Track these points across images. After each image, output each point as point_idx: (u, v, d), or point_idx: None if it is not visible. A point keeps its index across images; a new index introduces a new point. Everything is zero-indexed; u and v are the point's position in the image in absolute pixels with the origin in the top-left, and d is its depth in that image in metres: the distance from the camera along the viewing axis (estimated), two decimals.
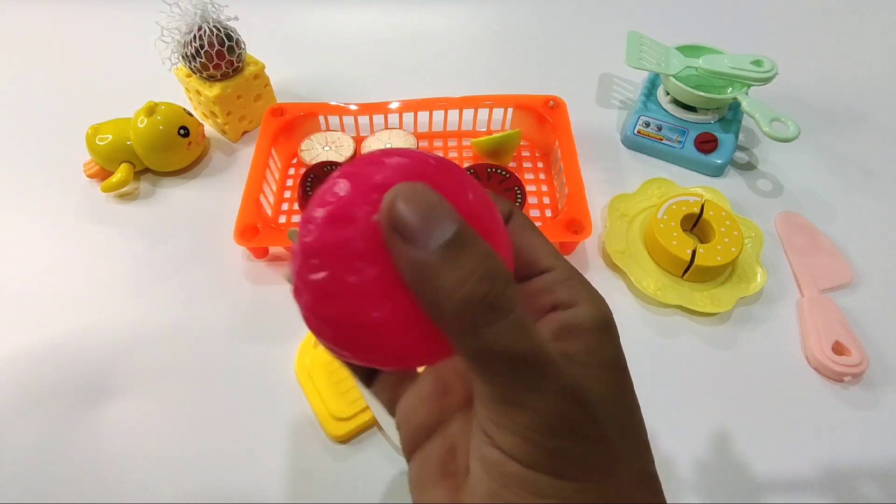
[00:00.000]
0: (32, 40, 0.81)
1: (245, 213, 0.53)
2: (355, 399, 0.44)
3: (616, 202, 0.58)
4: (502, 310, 0.15)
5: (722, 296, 0.51)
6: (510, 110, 0.65)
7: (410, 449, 0.21)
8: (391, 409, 0.24)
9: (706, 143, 0.62)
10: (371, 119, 0.64)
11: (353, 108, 0.63)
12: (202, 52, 0.58)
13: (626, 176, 0.63)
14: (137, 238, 0.58)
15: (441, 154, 0.64)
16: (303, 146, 0.63)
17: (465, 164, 0.61)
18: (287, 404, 0.46)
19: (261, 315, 0.51)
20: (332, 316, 0.16)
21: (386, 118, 0.64)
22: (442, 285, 0.15)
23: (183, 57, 0.59)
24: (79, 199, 0.61)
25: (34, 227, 0.58)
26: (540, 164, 0.63)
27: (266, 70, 0.65)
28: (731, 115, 0.64)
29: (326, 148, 0.62)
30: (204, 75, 0.60)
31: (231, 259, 0.55)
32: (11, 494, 0.42)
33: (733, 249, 0.51)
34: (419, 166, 0.17)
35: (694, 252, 0.51)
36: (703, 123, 0.63)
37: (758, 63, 0.59)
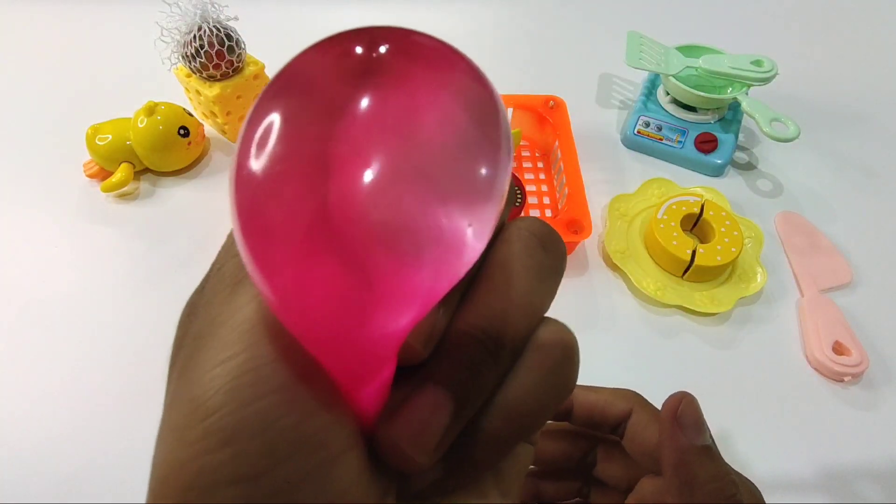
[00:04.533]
0: (32, 40, 0.81)
1: None
2: None
3: (616, 202, 0.58)
4: None
5: (722, 296, 0.51)
6: (510, 110, 0.64)
7: None
8: None
9: (706, 143, 0.62)
10: None
11: None
12: (202, 52, 0.58)
13: (626, 176, 0.63)
14: (137, 238, 0.58)
15: None
16: None
17: None
18: None
19: None
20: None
21: None
22: None
23: (183, 57, 0.59)
24: (79, 199, 0.61)
25: (34, 228, 0.58)
26: (540, 164, 0.63)
27: (266, 70, 0.65)
28: (731, 115, 0.64)
29: None
30: (204, 75, 0.60)
31: None
32: (10, 494, 0.42)
33: (733, 249, 0.51)
34: None
35: (694, 252, 0.51)
36: (703, 123, 0.63)
37: (758, 63, 0.59)
